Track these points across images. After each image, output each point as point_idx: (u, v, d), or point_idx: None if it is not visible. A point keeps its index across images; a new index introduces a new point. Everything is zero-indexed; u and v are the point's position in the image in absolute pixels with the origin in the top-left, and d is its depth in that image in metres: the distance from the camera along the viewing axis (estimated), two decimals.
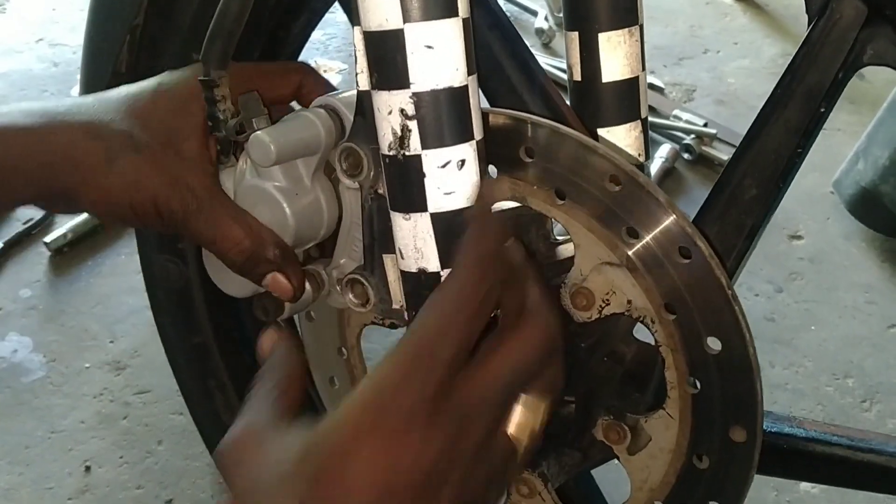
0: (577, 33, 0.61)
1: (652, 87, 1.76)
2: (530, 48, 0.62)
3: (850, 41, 0.50)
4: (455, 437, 0.39)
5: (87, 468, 1.16)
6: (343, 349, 0.66)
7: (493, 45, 0.58)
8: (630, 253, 0.50)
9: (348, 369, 0.67)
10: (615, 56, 0.61)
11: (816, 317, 1.39)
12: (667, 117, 1.70)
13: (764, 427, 0.50)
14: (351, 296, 0.56)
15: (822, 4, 0.50)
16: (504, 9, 2.15)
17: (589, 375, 0.57)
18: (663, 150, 1.62)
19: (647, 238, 0.49)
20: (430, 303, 0.42)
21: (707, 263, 0.48)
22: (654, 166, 1.59)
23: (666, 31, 1.94)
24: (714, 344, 0.49)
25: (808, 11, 0.51)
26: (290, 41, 0.67)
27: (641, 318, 0.51)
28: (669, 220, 0.48)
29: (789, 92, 0.52)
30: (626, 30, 0.61)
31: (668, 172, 1.60)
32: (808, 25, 0.51)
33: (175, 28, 0.67)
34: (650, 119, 1.70)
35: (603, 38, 0.61)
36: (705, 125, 1.68)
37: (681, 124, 1.68)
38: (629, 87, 0.62)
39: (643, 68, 0.64)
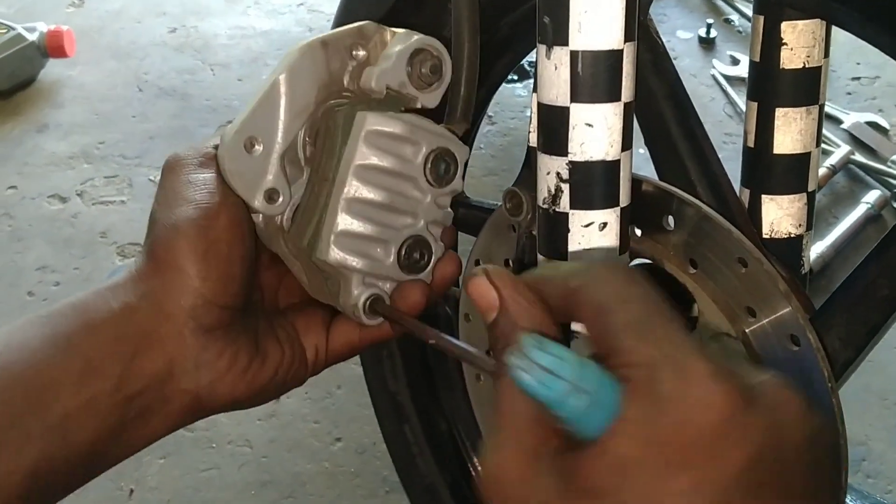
0: (756, 103, 0.65)
1: (875, 126, 1.68)
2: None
3: None
4: None
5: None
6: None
7: (664, 113, 0.63)
8: (747, 330, 0.54)
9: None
10: (789, 131, 0.65)
11: None
12: (884, 161, 1.63)
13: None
14: None
15: None
16: (739, 24, 2.08)
17: None
18: (871, 196, 1.56)
19: (764, 321, 0.54)
20: None
21: (814, 355, 0.52)
22: (859, 212, 1.53)
23: None
24: None
25: None
26: (493, 76, 0.75)
27: None
28: (786, 310, 0.53)
29: None
30: (805, 108, 0.64)
31: (872, 219, 1.54)
32: None
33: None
34: (864, 161, 1.64)
35: (780, 112, 0.64)
36: None
37: None
38: (799, 162, 0.65)
39: (817, 145, 0.67)
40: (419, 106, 0.57)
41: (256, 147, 0.54)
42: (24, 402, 0.47)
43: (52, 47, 2.00)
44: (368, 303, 0.57)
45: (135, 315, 0.50)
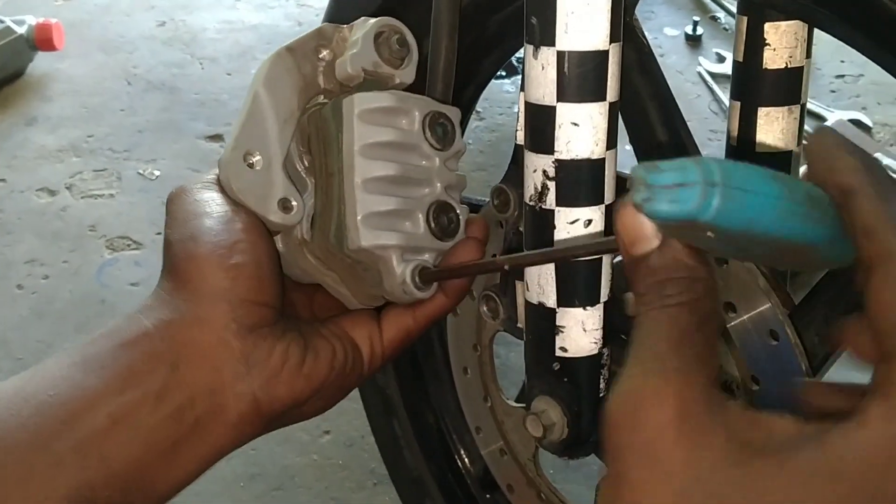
0: (739, 103, 0.66)
1: (858, 123, 1.70)
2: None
3: None
4: None
5: None
6: (478, 346, 0.76)
7: (650, 113, 0.64)
8: (727, 325, 0.56)
9: (479, 364, 0.77)
10: (771, 130, 0.66)
11: None
12: None
13: None
14: (485, 308, 0.66)
15: None
16: (725, 21, 2.10)
17: None
18: None
19: (744, 316, 0.55)
20: None
21: (792, 350, 0.53)
22: None
23: None
24: None
25: None
26: (481, 74, 0.76)
27: (729, 382, 0.57)
28: (765, 306, 0.54)
29: None
30: (787, 107, 0.65)
31: None
32: None
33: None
34: None
35: (762, 111, 0.65)
36: None
37: None
38: (781, 160, 0.66)
39: (799, 143, 0.68)
40: (398, 82, 0.58)
41: (256, 160, 0.54)
42: (50, 427, 0.44)
43: (41, 40, 2.00)
44: (416, 273, 0.55)
45: (170, 328, 0.48)
